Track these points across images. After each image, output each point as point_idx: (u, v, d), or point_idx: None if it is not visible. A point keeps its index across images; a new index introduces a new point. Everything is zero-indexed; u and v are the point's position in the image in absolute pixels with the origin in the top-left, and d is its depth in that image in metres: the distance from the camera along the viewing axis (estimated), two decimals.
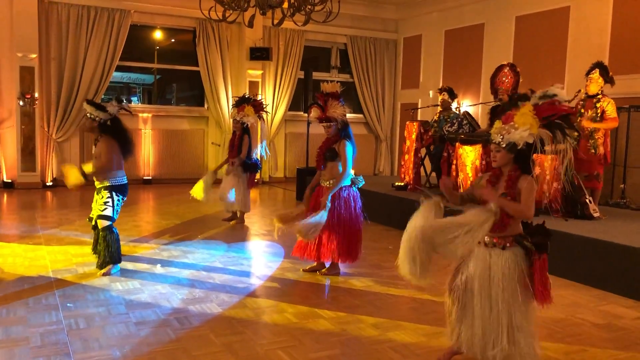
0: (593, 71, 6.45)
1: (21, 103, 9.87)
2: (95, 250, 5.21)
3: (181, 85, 13.10)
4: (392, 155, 13.56)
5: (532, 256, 3.15)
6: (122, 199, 5.09)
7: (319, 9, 5.91)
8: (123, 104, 5.13)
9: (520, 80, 7.29)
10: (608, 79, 6.45)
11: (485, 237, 3.23)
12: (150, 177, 11.36)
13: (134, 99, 13.07)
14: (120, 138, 5.06)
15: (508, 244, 3.20)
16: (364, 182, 5.26)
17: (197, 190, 7.46)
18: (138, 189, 10.58)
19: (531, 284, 3.13)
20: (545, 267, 3.15)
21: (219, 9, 6.13)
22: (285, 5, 5.89)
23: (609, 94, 6.59)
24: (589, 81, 6.44)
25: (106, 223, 4.98)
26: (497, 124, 3.34)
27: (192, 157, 11.75)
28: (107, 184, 4.96)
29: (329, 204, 4.98)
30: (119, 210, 5.06)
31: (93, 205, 5.09)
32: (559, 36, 9.32)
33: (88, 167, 5.02)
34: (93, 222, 5.12)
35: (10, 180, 10.09)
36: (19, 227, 7.08)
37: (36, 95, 10.02)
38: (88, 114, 4.99)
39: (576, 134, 3.22)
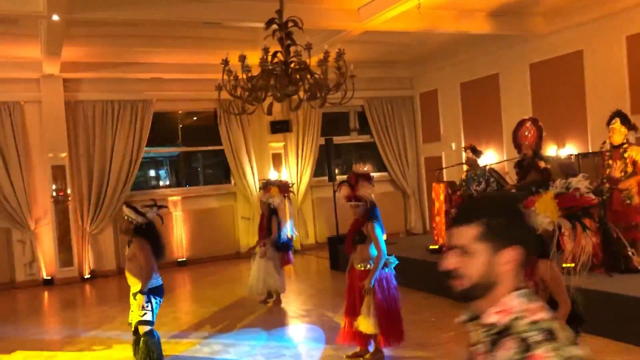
0: (613, 121, 6.39)
1: (54, 196, 10.13)
2: (136, 355, 5.23)
3: (206, 155, 13.34)
4: (422, 210, 13.46)
5: None
6: (160, 301, 5.14)
7: (334, 92, 6.03)
8: (160, 209, 5.25)
9: (544, 133, 7.25)
10: (631, 126, 6.38)
11: None
12: (184, 259, 11.46)
13: (162, 172, 13.36)
14: (152, 241, 5.15)
15: None
16: (397, 262, 5.23)
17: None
18: (173, 272, 10.66)
19: None
20: None
21: (237, 101, 6.31)
22: (301, 93, 6.03)
23: (636, 135, 6.51)
24: (612, 132, 6.38)
25: (147, 328, 5.02)
26: None
27: (224, 234, 11.85)
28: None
29: (371, 287, 4.97)
30: (156, 313, 5.10)
31: (131, 309, 5.13)
32: (575, 81, 9.28)
33: (136, 287, 5.08)
34: (133, 327, 5.15)
35: (49, 277, 10.28)
36: (61, 330, 7.17)
37: (69, 191, 10.31)
38: (126, 216, 5.11)
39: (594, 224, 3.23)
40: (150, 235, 5.16)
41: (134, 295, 5.08)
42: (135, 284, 5.06)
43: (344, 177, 11.39)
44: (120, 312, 7.59)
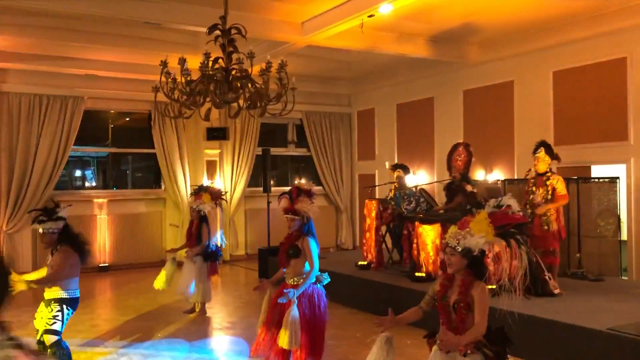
0: (539, 150, 6.71)
1: None
2: None
3: (136, 157, 12.92)
4: (353, 226, 13.61)
5: None
6: (72, 312, 4.87)
7: (274, 103, 6.01)
8: (60, 207, 4.92)
9: (473, 159, 7.52)
10: (554, 156, 6.72)
11: None
12: (107, 264, 11.01)
13: (88, 172, 12.83)
14: (77, 245, 4.89)
15: (469, 351, 3.21)
16: (329, 280, 5.21)
17: (159, 282, 7.29)
18: (94, 278, 10.22)
19: None
20: None
21: (174, 104, 6.16)
22: (241, 101, 5.97)
23: (557, 164, 6.86)
24: (537, 160, 6.69)
25: (54, 338, 4.71)
26: (453, 228, 3.43)
27: (150, 240, 11.50)
28: (59, 297, 4.74)
29: (295, 299, 4.90)
30: (65, 324, 4.83)
31: (37, 315, 4.83)
32: (505, 109, 9.72)
33: (31, 276, 4.80)
34: (38, 336, 4.84)
35: None
36: None
37: None
38: (43, 230, 4.76)
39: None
40: (72, 238, 4.88)
41: (48, 302, 4.78)
42: (51, 292, 4.77)
43: (280, 189, 11.47)
44: (34, 317, 7.18)
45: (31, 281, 4.64)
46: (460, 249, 3.27)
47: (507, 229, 3.27)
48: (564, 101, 8.86)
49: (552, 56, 8.99)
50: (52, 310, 4.72)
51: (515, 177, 8.96)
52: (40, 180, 10.24)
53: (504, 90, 9.78)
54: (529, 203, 6.62)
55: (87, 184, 12.61)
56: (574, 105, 8.72)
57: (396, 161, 11.24)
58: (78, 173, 12.80)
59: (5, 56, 9.59)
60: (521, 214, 3.37)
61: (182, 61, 5.72)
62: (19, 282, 4.62)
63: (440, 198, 8.83)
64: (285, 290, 4.95)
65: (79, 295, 4.90)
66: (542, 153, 6.63)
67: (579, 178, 8.02)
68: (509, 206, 3.28)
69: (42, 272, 4.85)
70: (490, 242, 3.26)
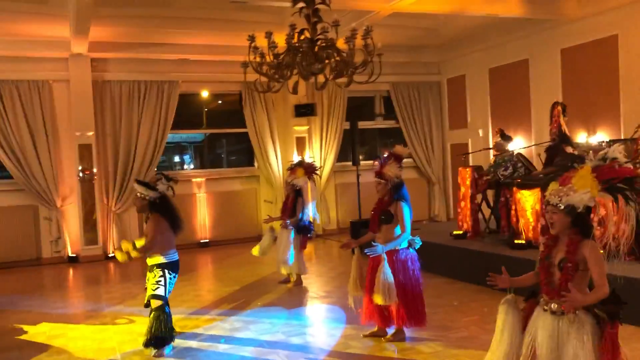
0: None
1: (80, 174, 10.26)
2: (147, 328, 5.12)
3: (230, 140, 13.39)
4: (446, 198, 13.31)
5: (603, 325, 2.98)
6: (175, 276, 5.12)
7: (361, 71, 5.95)
8: (171, 182, 5.21)
9: (566, 118, 7.08)
10: None
11: (553, 305, 3.08)
12: (207, 240, 11.53)
13: (186, 157, 13.45)
14: (169, 215, 5.13)
15: (577, 312, 3.03)
16: (421, 243, 5.15)
17: (256, 249, 7.72)
18: (196, 253, 10.74)
19: (602, 355, 2.96)
20: (617, 337, 2.99)
21: (263, 79, 6.26)
22: (327, 71, 5.96)
23: None
24: None
25: (159, 303, 4.99)
26: (554, 185, 3.23)
27: (247, 216, 11.88)
28: (159, 262, 5.01)
29: (384, 254, 4.89)
30: (171, 289, 5.08)
31: (147, 283, 5.12)
32: (609, 66, 9.02)
33: (140, 242, 5.10)
34: (146, 300, 5.14)
35: (74, 255, 10.43)
36: (85, 305, 7.27)
37: (94, 170, 10.43)
38: (138, 194, 5.08)
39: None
40: (165, 209, 5.12)
41: (151, 268, 5.06)
42: (152, 259, 5.04)
43: (369, 162, 11.41)
44: (143, 289, 7.64)
45: (130, 251, 4.95)
46: (562, 207, 3.07)
47: (614, 183, 3.04)
48: None
49: None
50: (155, 275, 4.99)
51: (622, 137, 8.33)
52: (143, 163, 10.84)
53: (607, 45, 9.08)
54: (639, 163, 6.13)
55: (185, 167, 13.23)
56: None
57: (490, 128, 10.84)
58: (177, 158, 13.46)
59: (106, 46, 10.21)
60: (630, 166, 3.11)
61: (269, 35, 5.80)
62: (119, 253, 4.96)
63: (538, 164, 8.39)
64: (373, 244, 4.96)
65: (177, 259, 5.13)
66: None
67: None
68: (615, 159, 3.04)
69: (141, 241, 5.13)
70: (596, 197, 3.04)
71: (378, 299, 4.88)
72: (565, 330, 3.03)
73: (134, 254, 4.93)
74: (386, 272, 4.88)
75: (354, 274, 5.30)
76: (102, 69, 10.65)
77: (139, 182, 5.19)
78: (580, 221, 3.07)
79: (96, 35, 9.41)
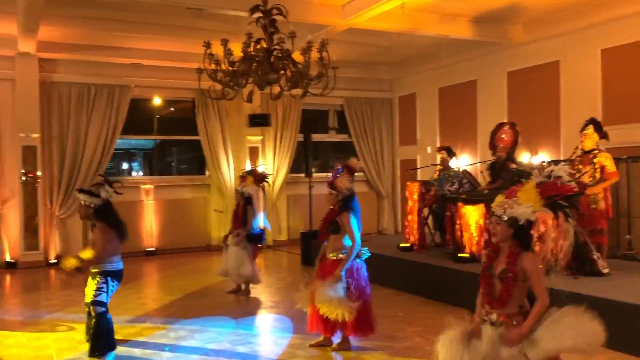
0: (587, 127, 6.53)
1: (23, 177, 9.92)
2: (88, 336, 5.06)
3: (181, 148, 13.25)
4: (395, 212, 13.56)
5: None
6: (117, 285, 5.04)
7: (316, 82, 6.04)
8: (114, 185, 5.15)
9: (519, 139, 7.38)
10: (602, 134, 6.53)
11: (493, 315, 3.21)
12: (154, 249, 11.32)
13: (135, 164, 13.20)
14: (114, 223, 5.06)
15: (515, 322, 3.17)
16: (369, 254, 5.25)
17: None
18: (142, 262, 10.53)
19: None
20: None
21: (217, 86, 6.27)
22: (283, 81, 6.03)
23: (606, 145, 6.67)
24: (584, 137, 6.51)
25: (100, 310, 4.90)
26: (500, 197, 3.38)
27: (196, 225, 11.75)
28: (103, 270, 4.92)
29: (343, 275, 4.97)
30: (111, 296, 4.99)
31: (87, 290, 5.02)
32: (551, 90, 9.48)
33: (86, 254, 5.00)
34: (87, 308, 5.04)
35: (13, 260, 10.04)
36: (22, 312, 7.00)
37: (38, 173, 10.10)
38: (82, 202, 5.00)
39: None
40: (110, 216, 5.06)
41: (94, 275, 4.96)
42: (96, 265, 4.93)
43: (321, 175, 11.51)
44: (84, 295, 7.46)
45: (78, 265, 4.86)
46: (506, 218, 3.22)
47: (556, 200, 3.20)
48: (612, 80, 8.59)
49: (600, 34, 8.71)
50: (97, 282, 4.89)
51: (562, 158, 8.74)
52: (90, 168, 10.57)
53: (550, 70, 9.54)
54: (575, 182, 6.44)
55: (133, 174, 12.98)
56: (623, 84, 8.44)
57: (438, 145, 11.12)
58: (125, 165, 13.20)
59: (55, 47, 9.95)
60: (572, 184, 3.28)
61: (225, 42, 5.83)
62: (68, 264, 4.86)
63: (482, 181, 8.69)
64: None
65: (122, 268, 5.06)
66: (590, 130, 6.45)
67: (628, 157, 7.78)
68: (559, 177, 3.21)
69: (86, 253, 5.02)
70: (538, 211, 3.19)
71: (331, 314, 4.89)
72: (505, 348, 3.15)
73: (80, 266, 4.84)
74: (339, 288, 4.94)
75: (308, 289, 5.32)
76: (51, 69, 10.37)
77: (81, 190, 5.12)
78: (521, 234, 3.21)
79: (46, 34, 9.17)
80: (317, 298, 4.95)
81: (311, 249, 9.57)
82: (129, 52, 10.36)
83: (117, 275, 5.00)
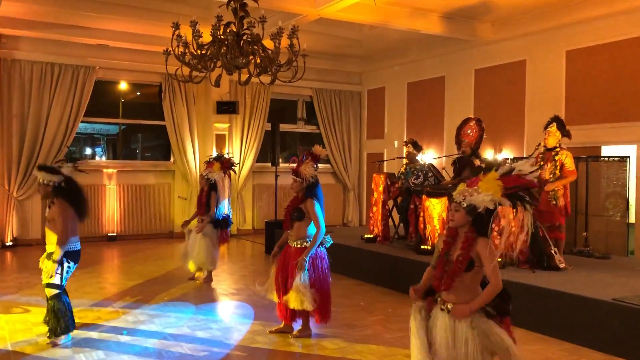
0: (550, 125, 6.68)
1: None
2: (48, 318, 4.90)
3: (146, 135, 13.04)
4: (360, 205, 13.63)
5: (495, 321, 3.20)
6: (74, 266, 4.90)
7: (285, 69, 6.00)
8: (76, 163, 5.00)
9: (484, 135, 7.48)
10: (565, 133, 6.68)
11: (449, 305, 3.26)
12: (115, 234, 11.12)
13: (98, 150, 12.93)
14: (74, 200, 4.89)
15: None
16: (331, 242, 5.25)
17: (191, 264, 7.47)
18: (102, 247, 10.34)
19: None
20: (509, 330, 3.21)
21: (185, 69, 6.16)
22: (252, 67, 5.96)
23: (567, 144, 6.83)
24: (547, 134, 6.66)
25: (55, 291, 4.77)
26: (462, 185, 3.42)
27: (159, 211, 11.59)
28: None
29: (306, 264, 4.96)
30: (67, 277, 4.86)
31: (42, 270, 4.85)
32: (517, 89, 9.66)
33: (52, 246, 4.82)
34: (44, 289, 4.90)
35: None
36: None
37: None
38: (41, 180, 4.82)
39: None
40: (72, 193, 4.88)
41: (49, 256, 4.79)
42: (52, 245, 4.79)
43: (288, 165, 11.47)
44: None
45: (52, 254, 4.74)
46: (465, 205, 3.27)
47: (515, 191, 3.26)
48: (576, 81, 8.80)
49: (565, 35, 8.91)
50: (51, 266, 4.73)
51: (525, 156, 8.92)
52: (51, 150, 10.30)
53: (516, 69, 9.72)
54: (536, 178, 6.59)
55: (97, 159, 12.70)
56: (586, 85, 8.66)
57: (405, 139, 11.21)
58: (88, 150, 12.89)
59: (18, 23, 9.60)
60: (532, 177, 3.34)
61: (194, 24, 5.73)
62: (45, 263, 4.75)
63: (447, 176, 8.80)
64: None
65: (79, 248, 4.93)
66: (553, 127, 6.60)
67: (588, 157, 7.99)
68: (520, 171, 3.27)
69: (51, 246, 4.82)
70: (497, 200, 3.25)
71: (295, 304, 4.89)
72: (459, 326, 3.21)
73: (55, 257, 4.70)
74: (304, 277, 4.93)
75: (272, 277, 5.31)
76: (12, 46, 10.05)
77: (41, 167, 4.93)
78: (478, 221, 3.27)
79: (7, 10, 8.86)
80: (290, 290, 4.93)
81: (275, 238, 9.53)
82: (95, 32, 10.07)
83: (73, 257, 4.86)
